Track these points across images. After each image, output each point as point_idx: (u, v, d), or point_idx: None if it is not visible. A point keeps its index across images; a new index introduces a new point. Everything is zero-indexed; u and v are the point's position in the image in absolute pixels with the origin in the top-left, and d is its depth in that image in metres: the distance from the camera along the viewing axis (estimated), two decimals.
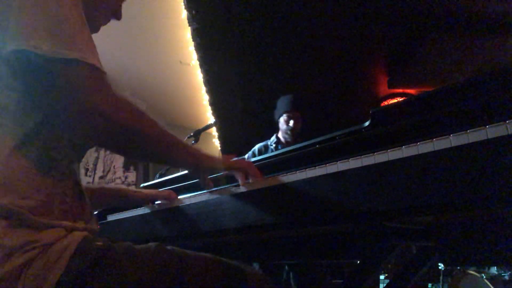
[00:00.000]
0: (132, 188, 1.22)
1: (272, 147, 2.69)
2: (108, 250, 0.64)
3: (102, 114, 0.63)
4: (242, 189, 0.81)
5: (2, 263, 0.56)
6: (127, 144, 0.70)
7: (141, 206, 1.14)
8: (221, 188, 0.91)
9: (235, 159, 0.96)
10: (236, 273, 0.73)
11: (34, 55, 0.59)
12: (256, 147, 2.74)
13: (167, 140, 0.75)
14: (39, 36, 0.59)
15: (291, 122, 2.58)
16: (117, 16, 0.89)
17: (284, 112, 2.63)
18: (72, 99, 0.61)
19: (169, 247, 0.72)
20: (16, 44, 0.59)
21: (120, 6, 0.89)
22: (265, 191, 0.75)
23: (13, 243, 0.58)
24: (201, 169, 0.85)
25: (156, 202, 1.12)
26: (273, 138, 2.74)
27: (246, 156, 2.68)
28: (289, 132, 2.60)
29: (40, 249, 0.60)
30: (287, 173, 0.75)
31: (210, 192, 0.89)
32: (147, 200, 1.14)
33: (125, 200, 1.14)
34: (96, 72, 0.63)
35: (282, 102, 2.68)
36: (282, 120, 2.65)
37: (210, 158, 0.85)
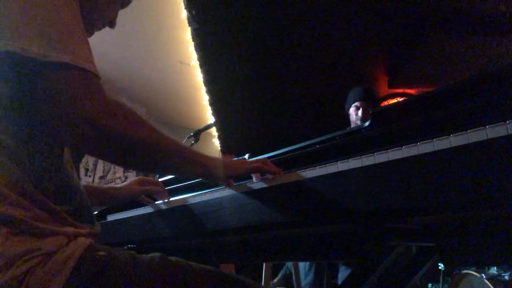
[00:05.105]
0: (115, 185, 1.18)
1: None
2: (111, 260, 0.63)
3: (90, 122, 0.58)
4: (258, 185, 0.76)
5: (3, 272, 0.54)
6: (124, 153, 0.65)
7: (139, 204, 1.14)
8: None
9: (234, 159, 0.93)
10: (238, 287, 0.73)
11: (21, 57, 0.55)
12: None
13: (169, 147, 0.69)
14: (27, 37, 0.55)
15: (360, 112, 2.50)
16: (112, 24, 0.86)
17: (353, 103, 2.55)
18: (60, 106, 0.57)
19: (173, 258, 0.71)
20: (2, 44, 0.55)
21: (116, 15, 0.86)
22: (267, 190, 0.75)
23: (15, 251, 0.56)
24: (213, 178, 0.79)
25: (157, 202, 1.12)
26: None
27: None
28: (358, 123, 2.49)
29: (42, 258, 0.58)
30: (287, 173, 0.75)
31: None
32: (133, 196, 1.11)
33: (111, 200, 1.10)
34: (88, 77, 0.60)
35: (352, 93, 2.61)
36: (351, 111, 2.57)
37: (220, 166, 0.77)
